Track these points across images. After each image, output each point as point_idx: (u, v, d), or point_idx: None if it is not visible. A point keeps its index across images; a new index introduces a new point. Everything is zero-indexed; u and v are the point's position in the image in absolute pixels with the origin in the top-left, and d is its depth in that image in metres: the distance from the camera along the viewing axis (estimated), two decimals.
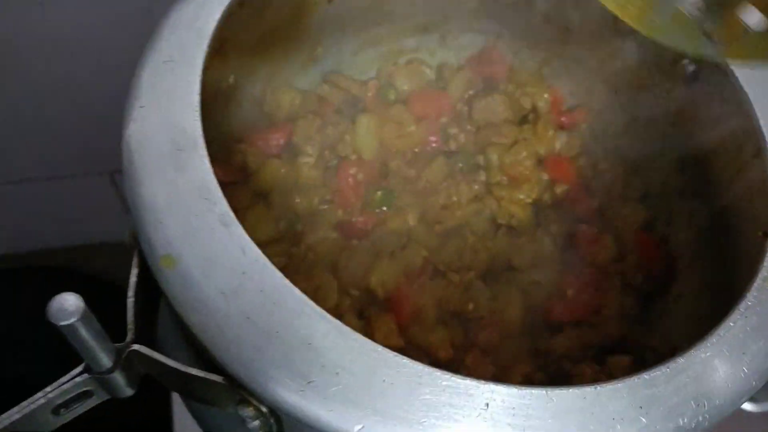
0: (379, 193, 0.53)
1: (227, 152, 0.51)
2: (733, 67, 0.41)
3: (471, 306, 0.49)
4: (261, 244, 0.48)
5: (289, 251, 0.49)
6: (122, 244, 0.34)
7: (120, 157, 0.34)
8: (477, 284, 0.51)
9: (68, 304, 0.26)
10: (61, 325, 0.26)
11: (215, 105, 0.48)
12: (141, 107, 0.35)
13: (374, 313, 0.48)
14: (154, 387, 0.34)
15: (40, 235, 0.86)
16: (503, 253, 0.52)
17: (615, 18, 0.47)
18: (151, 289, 0.35)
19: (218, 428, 0.42)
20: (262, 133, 0.52)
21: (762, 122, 0.40)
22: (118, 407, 0.36)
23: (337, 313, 0.47)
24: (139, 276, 0.33)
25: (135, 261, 0.33)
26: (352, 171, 0.53)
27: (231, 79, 0.49)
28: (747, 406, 0.35)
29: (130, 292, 0.32)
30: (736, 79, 0.40)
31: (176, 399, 0.50)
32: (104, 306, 0.31)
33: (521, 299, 0.51)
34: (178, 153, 0.33)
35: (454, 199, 0.54)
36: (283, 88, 0.54)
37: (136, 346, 0.31)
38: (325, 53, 0.55)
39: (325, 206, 0.52)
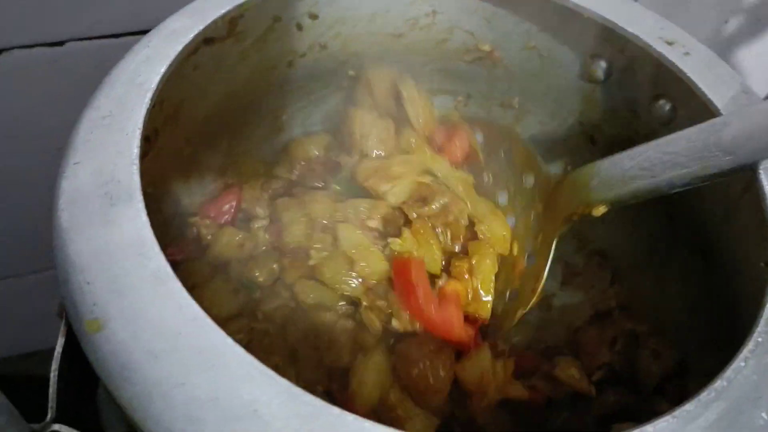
0: None
1: (182, 228, 0.48)
2: (711, 97, 0.38)
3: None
4: (222, 321, 0.45)
5: (250, 327, 0.44)
6: None
7: (50, 219, 0.31)
8: None
9: None
10: None
11: (173, 178, 0.46)
12: (75, 163, 0.32)
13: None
14: None
15: None
16: None
17: (585, 67, 0.47)
18: (87, 364, 0.31)
19: None
20: (212, 203, 0.49)
21: None
22: None
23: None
24: (65, 347, 0.29)
25: (61, 330, 0.29)
26: None
27: (187, 150, 0.47)
28: None
29: (54, 365, 0.28)
30: (717, 108, 0.38)
31: None
32: None
33: None
34: (111, 207, 0.30)
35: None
36: (247, 160, 0.51)
37: (57, 426, 0.27)
38: (291, 121, 0.53)
39: None
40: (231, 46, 0.44)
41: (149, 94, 0.35)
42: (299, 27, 0.47)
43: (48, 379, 0.29)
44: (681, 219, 0.47)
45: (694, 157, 0.35)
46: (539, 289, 0.44)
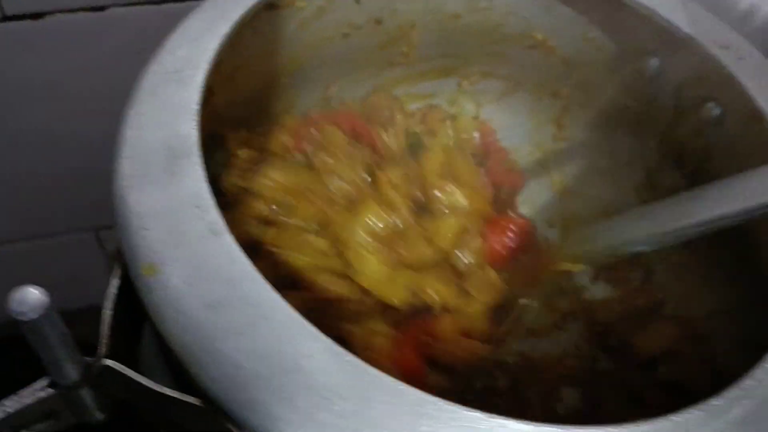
0: None
1: None
2: (761, 104, 0.39)
3: None
4: None
5: None
6: None
7: (112, 165, 0.32)
8: None
9: (31, 298, 0.23)
10: (22, 321, 0.23)
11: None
12: (138, 115, 0.34)
13: None
14: None
15: None
16: None
17: (638, 64, 0.47)
18: (134, 310, 0.32)
19: None
20: None
21: None
22: None
23: None
24: (120, 289, 0.30)
25: (116, 272, 0.30)
26: None
27: (239, 112, 0.48)
28: None
29: (107, 305, 0.30)
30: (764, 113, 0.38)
31: None
32: None
33: None
34: (172, 160, 0.31)
35: None
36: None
37: (108, 362, 0.28)
38: (339, 94, 0.54)
39: None
40: (291, 14, 0.45)
41: (211, 54, 0.36)
42: (357, 0, 0.48)
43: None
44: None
45: None
46: None
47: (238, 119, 0.48)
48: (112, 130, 0.33)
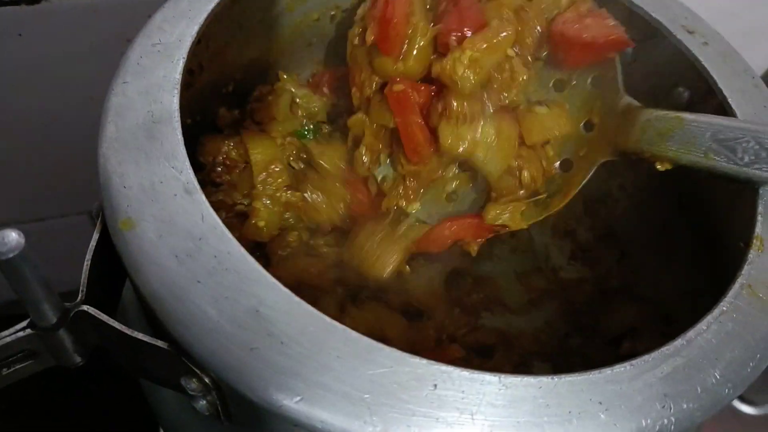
0: None
1: None
2: (722, 87, 0.40)
3: None
4: None
5: None
6: None
7: (98, 129, 0.35)
8: None
9: (9, 239, 0.25)
10: (1, 261, 0.25)
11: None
12: (124, 83, 0.36)
13: None
14: None
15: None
16: None
17: None
18: (116, 267, 0.35)
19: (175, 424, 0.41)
20: None
21: None
22: None
23: None
24: (99, 241, 0.32)
25: (97, 227, 0.33)
26: None
27: (230, 88, 0.50)
28: (745, 409, 0.33)
29: (88, 256, 0.32)
30: (725, 99, 0.40)
31: None
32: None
33: None
34: (152, 124, 0.34)
35: None
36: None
37: (85, 307, 0.30)
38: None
39: None
40: None
41: (196, 27, 0.38)
42: None
43: None
44: (692, 207, 0.48)
45: None
46: (565, 202, 0.44)
47: (227, 97, 0.50)
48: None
